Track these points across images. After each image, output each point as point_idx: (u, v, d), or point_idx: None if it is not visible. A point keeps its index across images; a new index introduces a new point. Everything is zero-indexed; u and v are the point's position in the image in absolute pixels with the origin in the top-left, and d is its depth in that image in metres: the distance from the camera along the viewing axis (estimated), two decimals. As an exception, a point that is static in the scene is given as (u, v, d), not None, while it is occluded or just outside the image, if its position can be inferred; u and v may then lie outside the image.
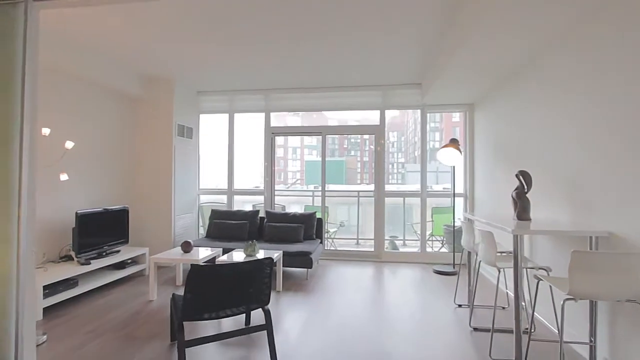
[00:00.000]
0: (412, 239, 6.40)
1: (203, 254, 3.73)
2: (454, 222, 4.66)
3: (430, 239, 5.57)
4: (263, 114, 5.52)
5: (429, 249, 5.30)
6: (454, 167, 4.69)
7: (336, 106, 5.33)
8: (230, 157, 5.61)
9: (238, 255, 3.69)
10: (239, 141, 6.13)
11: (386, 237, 5.43)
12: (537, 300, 2.23)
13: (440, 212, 5.71)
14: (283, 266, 4.18)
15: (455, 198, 4.77)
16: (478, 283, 3.56)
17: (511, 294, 3.42)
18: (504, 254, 2.84)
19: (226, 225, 4.92)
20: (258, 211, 5.18)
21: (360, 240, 6.56)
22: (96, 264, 3.74)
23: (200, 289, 2.11)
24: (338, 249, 5.73)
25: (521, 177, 2.54)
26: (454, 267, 4.61)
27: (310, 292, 3.83)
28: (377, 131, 5.27)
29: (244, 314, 3.02)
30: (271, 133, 5.51)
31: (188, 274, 2.06)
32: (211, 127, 5.94)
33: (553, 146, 2.81)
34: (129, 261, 4.31)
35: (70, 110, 3.96)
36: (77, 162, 4.07)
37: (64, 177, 3.38)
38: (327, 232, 5.89)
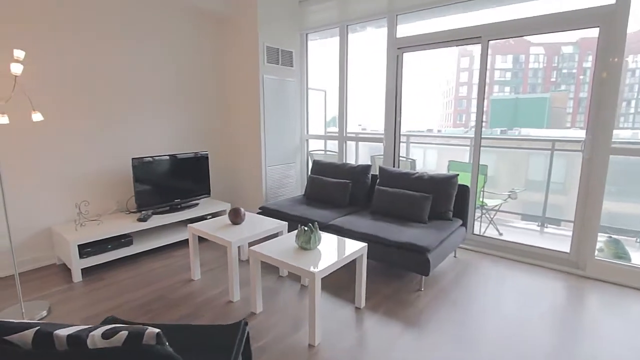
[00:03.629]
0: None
1: (251, 230, 2.55)
2: None
3: None
4: (385, 22, 3.58)
5: None
6: None
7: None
8: (341, 90, 4.06)
9: (290, 240, 2.31)
10: (363, 68, 4.47)
11: (602, 233, 2.88)
12: None
13: None
14: (379, 261, 2.58)
15: None
16: None
17: None
18: None
19: (324, 184, 3.59)
20: (369, 167, 3.57)
21: (547, 226, 4.02)
22: (160, 220, 3.16)
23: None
24: (499, 238, 3.54)
25: None
26: None
27: (414, 323, 2.13)
28: (607, 22, 2.53)
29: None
30: (396, 48, 3.57)
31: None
32: (330, 52, 4.45)
33: None
34: (209, 217, 3.65)
35: (134, 36, 3.28)
36: (154, 100, 3.47)
37: (36, 116, 2.30)
38: (483, 206, 3.72)
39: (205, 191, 3.71)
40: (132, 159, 3.07)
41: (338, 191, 3.47)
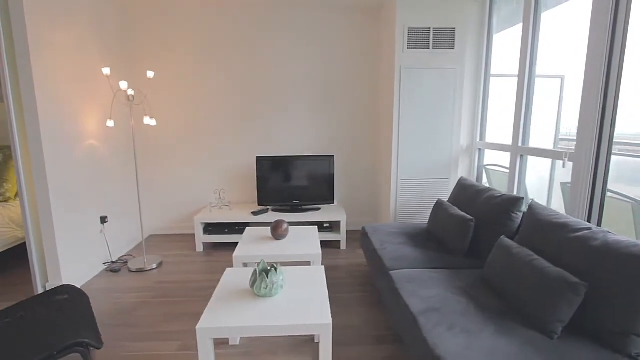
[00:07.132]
0: None
1: (278, 249, 2.15)
2: None
3: None
4: None
5: None
6: None
7: None
8: (521, 77, 2.55)
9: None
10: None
11: None
12: None
13: None
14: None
15: None
16: None
17: None
18: None
19: (443, 217, 2.47)
20: (516, 200, 2.09)
21: None
22: (272, 217, 3.31)
23: None
24: None
25: None
26: None
27: None
28: None
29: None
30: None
31: None
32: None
33: None
34: (326, 224, 3.44)
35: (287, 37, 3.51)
36: (302, 99, 3.62)
37: (151, 121, 2.73)
38: None
39: (328, 196, 3.49)
40: (256, 157, 3.36)
41: (453, 230, 2.28)
